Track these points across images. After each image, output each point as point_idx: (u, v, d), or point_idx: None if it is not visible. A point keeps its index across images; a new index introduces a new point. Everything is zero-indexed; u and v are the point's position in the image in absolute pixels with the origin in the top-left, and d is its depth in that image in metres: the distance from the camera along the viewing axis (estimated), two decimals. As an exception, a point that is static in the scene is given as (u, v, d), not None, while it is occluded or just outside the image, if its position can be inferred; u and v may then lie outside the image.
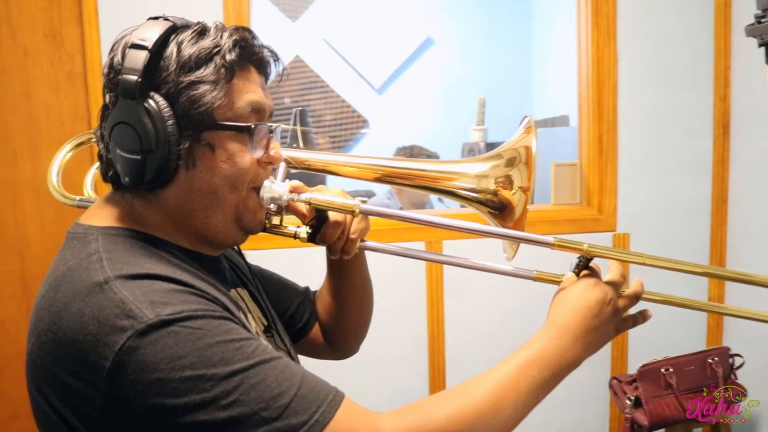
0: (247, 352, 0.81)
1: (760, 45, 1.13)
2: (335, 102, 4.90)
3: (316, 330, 1.30)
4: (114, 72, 0.90)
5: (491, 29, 5.02)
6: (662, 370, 2.16)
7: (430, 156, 3.78)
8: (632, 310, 1.06)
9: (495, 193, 1.09)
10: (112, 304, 0.79)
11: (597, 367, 2.64)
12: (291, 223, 1.08)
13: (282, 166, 1.10)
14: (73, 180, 1.40)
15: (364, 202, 1.04)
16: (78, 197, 1.20)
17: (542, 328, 0.98)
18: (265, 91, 0.98)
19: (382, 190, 3.93)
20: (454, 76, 4.96)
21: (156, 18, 0.92)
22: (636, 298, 1.04)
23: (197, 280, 0.89)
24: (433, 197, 3.99)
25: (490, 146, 4.12)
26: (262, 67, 0.98)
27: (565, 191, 2.71)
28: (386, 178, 1.17)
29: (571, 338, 0.96)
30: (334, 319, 1.27)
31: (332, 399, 0.83)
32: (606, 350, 2.64)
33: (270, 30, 4.68)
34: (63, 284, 0.84)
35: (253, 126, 0.92)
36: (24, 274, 2.36)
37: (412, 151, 3.78)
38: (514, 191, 1.09)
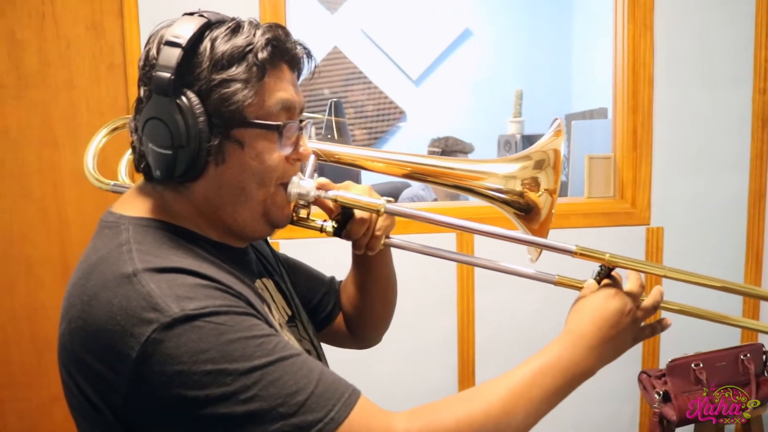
0: (267, 348, 0.83)
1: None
2: (373, 93, 4.92)
3: (339, 320, 1.32)
4: (149, 66, 0.92)
5: (530, 21, 4.98)
6: (692, 365, 2.14)
7: (465, 147, 3.78)
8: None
9: (521, 195, 1.09)
10: (140, 296, 0.82)
11: (628, 362, 2.62)
12: (318, 216, 1.10)
13: (312, 158, 1.12)
14: (110, 164, 1.44)
15: (389, 201, 1.05)
16: (112, 182, 1.23)
17: (558, 335, 0.98)
18: (296, 87, 0.99)
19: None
20: (491, 67, 4.94)
21: (191, 14, 0.93)
22: (654, 308, 1.04)
23: (223, 274, 0.91)
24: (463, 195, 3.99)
25: (527, 139, 4.10)
26: (295, 64, 0.99)
27: (599, 184, 2.68)
28: (414, 174, 1.18)
29: (586, 348, 0.96)
30: (357, 311, 1.29)
31: (348, 397, 0.84)
32: (637, 345, 2.61)
33: (308, 21, 4.72)
34: (94, 273, 0.87)
35: (282, 125, 0.94)
36: (65, 259, 2.45)
37: (446, 142, 3.78)
38: (540, 193, 1.09)
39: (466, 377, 2.59)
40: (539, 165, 1.08)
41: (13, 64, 2.46)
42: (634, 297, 1.01)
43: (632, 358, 2.62)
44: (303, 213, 1.08)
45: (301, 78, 1.05)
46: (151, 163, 0.94)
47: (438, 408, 0.89)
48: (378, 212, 1.05)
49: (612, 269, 1.03)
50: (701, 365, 2.13)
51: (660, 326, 1.07)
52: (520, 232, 1.04)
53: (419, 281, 2.40)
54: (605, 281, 1.03)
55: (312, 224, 1.10)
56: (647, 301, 1.03)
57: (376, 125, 4.95)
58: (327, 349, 1.23)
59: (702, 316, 1.12)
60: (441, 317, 2.57)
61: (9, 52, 2.44)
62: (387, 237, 1.14)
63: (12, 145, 2.41)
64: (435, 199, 3.75)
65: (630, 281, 1.03)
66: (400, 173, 1.17)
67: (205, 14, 0.93)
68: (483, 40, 4.97)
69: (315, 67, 1.05)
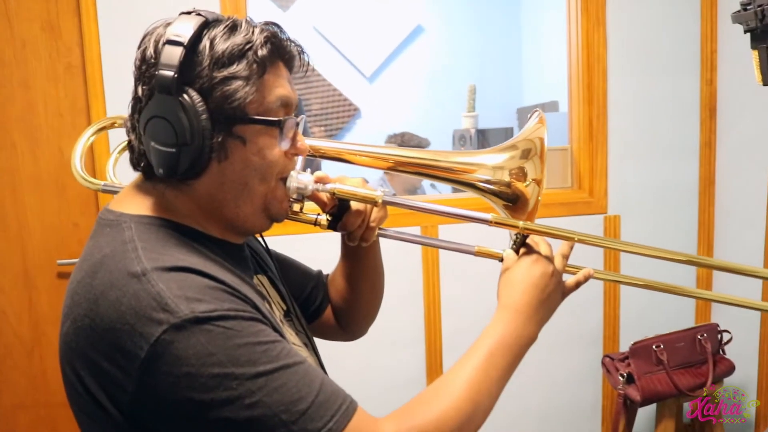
0: (272, 354, 0.84)
1: (746, 31, 1.18)
2: (327, 91, 4.93)
3: (328, 312, 1.34)
4: (147, 65, 0.92)
5: (481, 16, 5.06)
6: (653, 347, 2.22)
7: (421, 142, 3.82)
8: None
9: (509, 185, 1.11)
10: (149, 296, 0.82)
11: (589, 347, 2.71)
12: (311, 210, 1.12)
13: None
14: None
15: (385, 192, 1.08)
16: (102, 183, 1.22)
17: (496, 313, 1.03)
18: (291, 84, 1.01)
19: (375, 176, 3.97)
20: (444, 63, 5.00)
21: (189, 13, 0.94)
22: (565, 257, 1.09)
23: (227, 274, 0.91)
24: (425, 183, 4.04)
25: (481, 132, 4.17)
26: (290, 61, 1.01)
27: (556, 175, 2.76)
28: (399, 167, 1.18)
29: (525, 318, 1.02)
30: (346, 303, 1.31)
31: (346, 408, 0.87)
32: (598, 329, 2.71)
33: (260, 19, 4.69)
34: (100, 271, 0.87)
35: (282, 120, 0.95)
36: (26, 265, 2.39)
37: (402, 138, 3.82)
38: (527, 183, 1.12)
39: (434, 368, 2.64)
40: (525, 154, 1.11)
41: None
42: (550, 259, 1.07)
43: (594, 342, 2.70)
44: (296, 207, 1.10)
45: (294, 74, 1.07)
46: (153, 161, 0.93)
47: (416, 409, 0.92)
48: (375, 203, 1.07)
49: (526, 237, 1.07)
50: (662, 346, 2.22)
51: (583, 277, 1.10)
52: (439, 206, 1.07)
53: (387, 273, 2.42)
54: (523, 250, 1.07)
55: (306, 218, 1.11)
56: (556, 252, 1.09)
57: (331, 122, 4.96)
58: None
59: (656, 288, 1.16)
60: (408, 308, 2.61)
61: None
62: (380, 228, 1.16)
63: (-34, 149, 2.35)
64: (394, 194, 3.78)
65: (540, 246, 1.08)
66: (385, 166, 1.18)
67: (202, 13, 0.94)
68: (435, 36, 5.03)
69: (308, 63, 1.06)
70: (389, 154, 1.18)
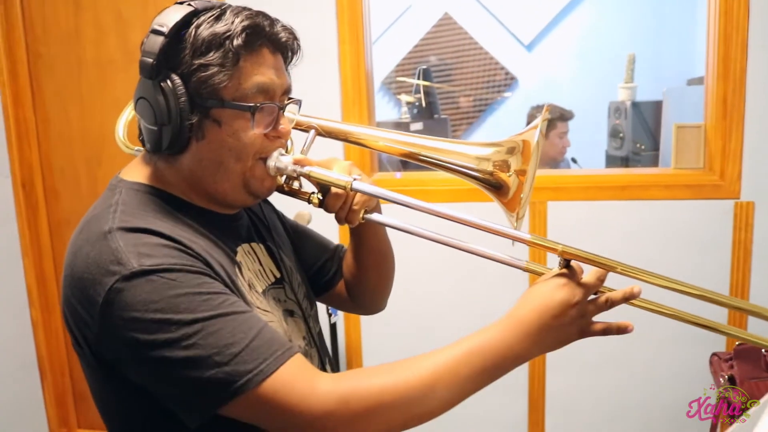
0: (212, 304, 0.94)
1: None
2: (483, 59, 4.86)
3: (341, 285, 1.41)
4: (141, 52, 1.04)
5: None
6: (763, 350, 2.01)
7: (564, 114, 3.67)
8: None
9: (491, 174, 1.12)
10: (110, 251, 0.95)
11: (705, 341, 2.49)
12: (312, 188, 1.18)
13: (312, 133, 1.24)
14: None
15: (357, 179, 1.10)
16: (135, 148, 1.39)
17: (500, 318, 1.00)
18: (280, 71, 1.08)
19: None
20: (606, 30, 4.70)
21: (182, 2, 1.03)
22: (607, 305, 1.00)
23: (195, 237, 1.03)
24: (564, 163, 3.88)
25: (636, 106, 3.90)
26: (279, 48, 1.07)
27: (688, 155, 2.54)
28: (396, 148, 1.23)
29: (523, 333, 0.97)
30: (354, 278, 1.37)
31: (280, 354, 0.93)
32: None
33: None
34: (84, 229, 1.02)
35: (255, 106, 1.02)
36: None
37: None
38: (510, 174, 1.11)
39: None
40: (510, 151, 1.11)
41: (121, 40, 2.71)
42: (587, 289, 0.99)
43: (707, 336, 2.48)
44: (296, 184, 1.19)
45: (292, 62, 1.13)
46: (144, 137, 1.07)
47: (364, 374, 0.96)
48: (345, 189, 1.11)
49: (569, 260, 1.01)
50: (774, 349, 2.00)
51: (615, 328, 1.01)
52: (473, 217, 1.05)
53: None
54: (558, 271, 1.02)
55: (302, 195, 1.19)
56: (603, 297, 1.00)
57: (487, 91, 4.89)
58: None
59: (680, 318, 1.04)
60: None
61: (117, 31, 2.69)
62: (367, 212, 1.19)
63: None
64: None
65: (589, 273, 1.01)
66: (384, 148, 1.23)
67: (193, 3, 1.03)
68: (598, 2, 4.75)
69: (294, 52, 1.11)
70: (390, 138, 1.22)
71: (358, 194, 1.17)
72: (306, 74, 2.61)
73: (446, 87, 4.43)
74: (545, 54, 4.81)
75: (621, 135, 4.00)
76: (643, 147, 3.88)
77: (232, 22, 1.01)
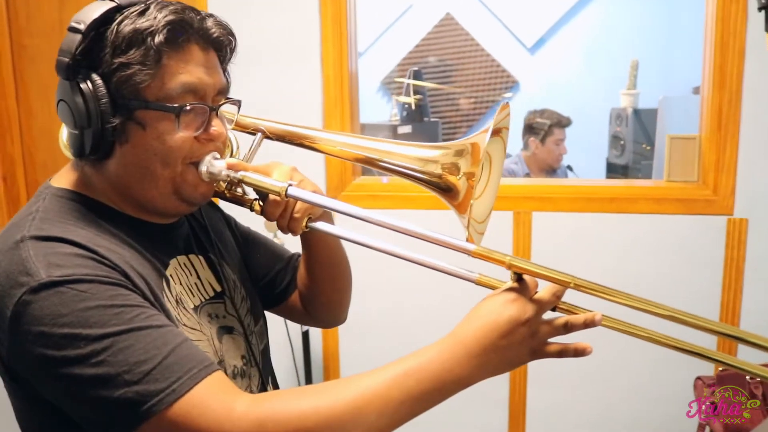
0: (124, 318, 0.87)
1: (760, 8, 0.95)
2: (484, 60, 4.78)
3: (295, 297, 1.33)
4: None
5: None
6: (748, 377, 1.91)
7: (561, 120, 3.58)
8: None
9: (440, 177, 1.05)
10: (19, 261, 0.89)
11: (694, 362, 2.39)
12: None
13: (258, 136, 1.16)
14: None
15: (292, 185, 1.03)
16: None
17: (441, 338, 0.91)
18: (211, 68, 1.01)
19: (512, 154, 3.81)
20: (613, 35, 4.60)
21: None
22: (566, 329, 0.91)
23: (118, 246, 0.96)
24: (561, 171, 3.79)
25: (636, 113, 3.81)
26: (211, 45, 1.01)
27: (681, 168, 2.44)
28: (349, 152, 1.16)
29: (465, 355, 0.88)
30: (307, 290, 1.30)
31: (195, 372, 0.86)
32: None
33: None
34: (2, 236, 0.96)
35: (178, 107, 0.96)
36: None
37: (542, 115, 3.61)
38: (459, 176, 1.04)
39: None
40: (459, 153, 1.05)
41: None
42: (541, 306, 0.91)
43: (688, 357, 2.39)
44: (239, 191, 1.12)
45: (230, 59, 1.06)
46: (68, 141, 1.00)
47: (286, 397, 0.89)
48: (279, 195, 1.03)
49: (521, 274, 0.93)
50: (758, 378, 1.90)
51: (572, 350, 0.91)
52: (413, 225, 0.98)
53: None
54: (509, 285, 0.93)
55: (245, 202, 1.12)
56: (560, 318, 0.91)
57: (487, 94, 4.80)
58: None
59: (657, 342, 0.94)
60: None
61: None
62: (311, 220, 1.11)
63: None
64: (527, 174, 3.60)
65: (543, 289, 0.92)
66: (347, 155, 1.16)
67: None
68: (605, 5, 4.64)
69: (230, 48, 1.05)
70: (340, 141, 1.15)
71: (299, 202, 1.09)
72: (287, 74, 2.62)
73: (445, 88, 4.35)
74: (548, 57, 4.71)
75: (622, 142, 3.91)
76: (649, 148, 3.78)
77: (155, 18, 0.94)
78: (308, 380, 2.41)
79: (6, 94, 2.77)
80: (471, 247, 0.94)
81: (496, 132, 1.06)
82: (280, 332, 2.24)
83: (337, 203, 1.03)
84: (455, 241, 0.95)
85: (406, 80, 3.42)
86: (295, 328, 2.39)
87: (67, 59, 0.93)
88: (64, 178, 1.03)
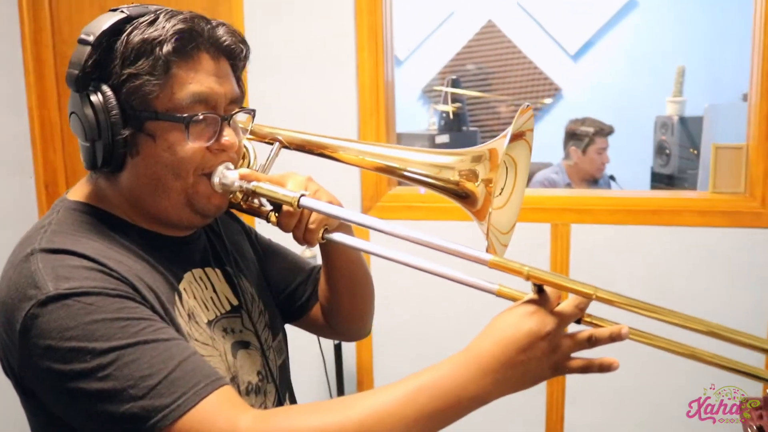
0: (130, 331, 0.85)
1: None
2: (527, 68, 4.70)
3: (316, 309, 1.30)
4: None
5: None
6: (798, 399, 1.81)
7: (603, 128, 3.49)
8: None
9: (456, 183, 1.02)
10: (28, 274, 0.89)
11: (743, 381, 2.29)
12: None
13: (276, 146, 1.14)
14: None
15: (303, 195, 1.00)
16: None
17: (457, 353, 0.87)
18: (223, 78, 0.99)
19: (553, 163, 3.73)
20: (659, 41, 4.47)
21: (114, 9, 0.96)
22: (590, 343, 0.85)
23: (130, 258, 0.95)
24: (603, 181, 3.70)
25: (682, 121, 3.70)
26: (222, 53, 0.99)
27: (727, 178, 2.35)
28: (368, 161, 1.14)
29: (481, 371, 0.83)
30: (328, 302, 1.27)
31: (201, 387, 0.85)
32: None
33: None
34: (15, 250, 0.96)
35: (188, 117, 0.94)
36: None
37: (583, 123, 3.52)
38: (477, 183, 1.00)
39: None
40: (476, 160, 1.02)
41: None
42: (562, 318, 0.85)
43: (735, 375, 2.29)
44: (255, 202, 1.10)
45: (243, 67, 1.05)
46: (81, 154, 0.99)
47: (293, 413, 0.87)
48: (291, 205, 1.01)
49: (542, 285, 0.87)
50: (810, 399, 1.80)
51: (598, 366, 0.85)
52: (428, 236, 0.94)
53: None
54: (528, 297, 0.88)
55: (261, 213, 1.10)
56: (584, 332, 0.85)
57: (530, 102, 4.73)
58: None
59: (697, 358, 0.87)
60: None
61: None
62: (328, 231, 1.09)
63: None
64: (568, 184, 3.52)
65: (567, 301, 0.87)
66: (366, 164, 1.13)
67: (126, 9, 0.96)
68: (650, 12, 4.52)
69: (243, 57, 1.04)
70: (359, 150, 1.13)
71: (314, 213, 1.06)
72: (323, 83, 2.61)
73: (483, 95, 4.29)
74: (591, 64, 4.61)
75: (667, 151, 3.80)
76: (696, 152, 3.64)
77: (164, 27, 0.93)
78: (340, 393, 2.38)
79: (49, 104, 2.83)
80: (487, 257, 0.89)
81: (519, 135, 1.02)
82: (313, 345, 2.22)
83: (352, 213, 1.00)
84: (472, 251, 0.90)
85: (443, 88, 3.37)
86: (328, 341, 2.36)
87: (77, 71, 0.92)
88: (79, 191, 1.03)
